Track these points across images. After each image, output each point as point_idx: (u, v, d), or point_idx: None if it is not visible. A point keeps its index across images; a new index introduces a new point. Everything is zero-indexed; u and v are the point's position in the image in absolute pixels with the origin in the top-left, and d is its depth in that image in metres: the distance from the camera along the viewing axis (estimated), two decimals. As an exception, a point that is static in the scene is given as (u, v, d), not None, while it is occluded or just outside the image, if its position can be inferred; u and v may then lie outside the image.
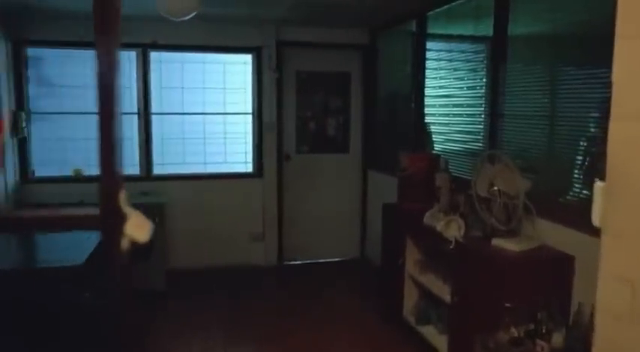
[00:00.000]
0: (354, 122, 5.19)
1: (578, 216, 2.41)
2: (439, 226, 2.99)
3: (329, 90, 5.13)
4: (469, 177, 3.37)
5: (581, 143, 2.82)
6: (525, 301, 2.18)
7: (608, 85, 2.22)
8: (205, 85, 4.82)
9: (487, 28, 3.27)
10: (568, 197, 2.65)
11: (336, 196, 5.22)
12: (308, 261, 5.21)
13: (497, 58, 3.15)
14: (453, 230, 2.93)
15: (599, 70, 2.46)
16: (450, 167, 3.54)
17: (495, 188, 2.42)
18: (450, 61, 3.95)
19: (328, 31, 4.90)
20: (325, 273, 4.97)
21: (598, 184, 1.24)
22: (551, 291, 2.34)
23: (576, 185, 2.71)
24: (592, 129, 2.70)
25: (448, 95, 3.88)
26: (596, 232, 1.37)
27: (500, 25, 3.11)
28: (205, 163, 4.92)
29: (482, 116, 3.42)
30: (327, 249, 5.24)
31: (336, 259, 5.27)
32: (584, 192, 2.61)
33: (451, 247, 2.80)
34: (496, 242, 2.53)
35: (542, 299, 2.13)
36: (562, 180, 2.72)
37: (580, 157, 2.84)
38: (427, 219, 3.15)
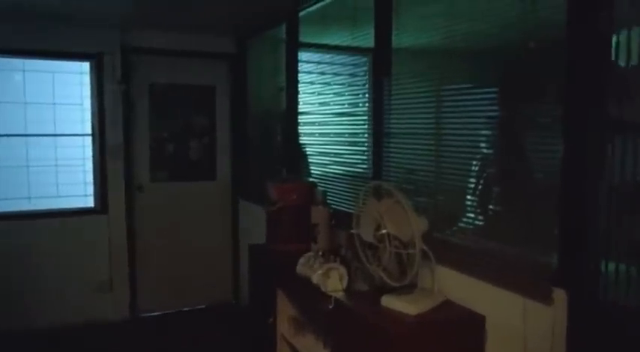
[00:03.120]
0: (222, 144, 4.44)
1: (478, 261, 1.88)
2: (315, 277, 2.33)
3: (191, 106, 4.34)
4: (353, 212, 2.77)
5: (474, 165, 2.41)
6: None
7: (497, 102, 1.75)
8: (27, 100, 3.81)
9: (368, 38, 2.74)
10: (461, 226, 2.18)
11: (203, 231, 4.41)
12: (169, 311, 4.32)
13: (380, 71, 2.61)
14: (334, 282, 2.28)
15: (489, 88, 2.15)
16: (330, 198, 2.92)
17: (383, 231, 1.80)
18: (329, 74, 3.38)
19: (188, 36, 4.14)
20: (190, 325, 4.11)
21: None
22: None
23: (470, 214, 2.25)
24: (484, 150, 2.29)
25: (326, 113, 3.31)
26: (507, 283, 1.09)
27: (383, 34, 2.60)
28: (30, 197, 3.88)
29: (366, 136, 2.86)
30: (193, 294, 4.39)
31: (205, 306, 4.43)
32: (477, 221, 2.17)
33: (330, 307, 2.14)
34: (387, 301, 1.91)
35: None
36: (455, 208, 2.26)
37: (473, 180, 2.43)
38: (301, 266, 2.47)
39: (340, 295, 2.16)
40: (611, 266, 1.48)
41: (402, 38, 2.55)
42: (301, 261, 2.49)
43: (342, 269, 2.31)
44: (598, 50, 1.50)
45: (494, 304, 1.82)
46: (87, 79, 3.96)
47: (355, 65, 3.30)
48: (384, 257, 1.80)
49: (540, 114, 1.83)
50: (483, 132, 2.28)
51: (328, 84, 3.37)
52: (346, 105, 3.22)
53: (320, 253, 2.56)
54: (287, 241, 2.80)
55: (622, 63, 1.51)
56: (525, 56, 1.90)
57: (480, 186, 2.62)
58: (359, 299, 2.10)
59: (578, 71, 1.55)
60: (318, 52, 3.55)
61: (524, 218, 1.88)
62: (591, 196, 1.51)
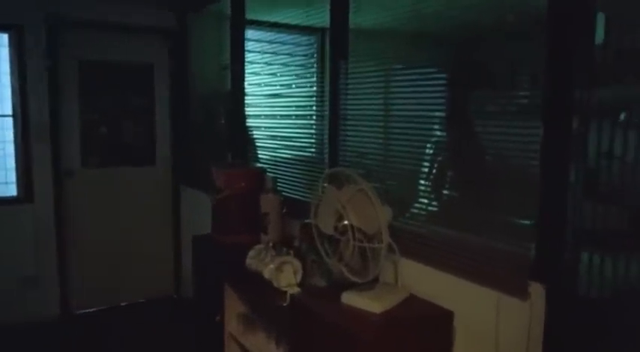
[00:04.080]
0: (162, 126, 4.12)
1: (442, 251, 1.75)
2: (267, 272, 2.13)
3: (126, 85, 3.99)
4: (307, 199, 2.59)
5: (428, 148, 2.30)
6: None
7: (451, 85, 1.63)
8: None
9: (323, 17, 2.54)
10: (417, 213, 2.10)
11: (141, 220, 4.09)
12: (106, 307, 4.00)
13: (337, 52, 2.42)
14: (287, 277, 2.09)
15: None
16: (281, 185, 2.72)
17: (345, 222, 1.63)
18: (281, 55, 3.17)
19: (123, 8, 3.77)
20: (128, 321, 3.83)
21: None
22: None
23: (426, 200, 2.18)
24: (438, 133, 2.23)
25: (275, 94, 3.09)
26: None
27: (340, 13, 2.41)
28: (-60, 185, 3.45)
29: (321, 118, 2.67)
30: (131, 288, 4.08)
31: (144, 300, 4.14)
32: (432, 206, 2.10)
33: (285, 304, 1.95)
34: (348, 298, 1.74)
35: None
36: (411, 194, 2.18)
37: (427, 165, 2.33)
38: (250, 260, 2.26)
39: (295, 291, 1.98)
40: (595, 258, 1.38)
41: (359, 17, 2.38)
42: (251, 253, 2.29)
43: (297, 263, 2.12)
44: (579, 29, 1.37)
45: (464, 299, 1.69)
46: (5, 53, 3.53)
47: (306, 45, 3.11)
48: (347, 251, 1.63)
49: (512, 98, 1.71)
50: (437, 114, 2.19)
51: (276, 64, 3.16)
52: (295, 87, 3.02)
53: (271, 245, 2.37)
54: (235, 232, 2.58)
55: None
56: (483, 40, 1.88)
57: (434, 171, 2.52)
58: (316, 295, 1.92)
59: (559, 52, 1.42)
60: (266, 30, 3.32)
61: (493, 205, 1.76)
62: (570, 183, 1.39)
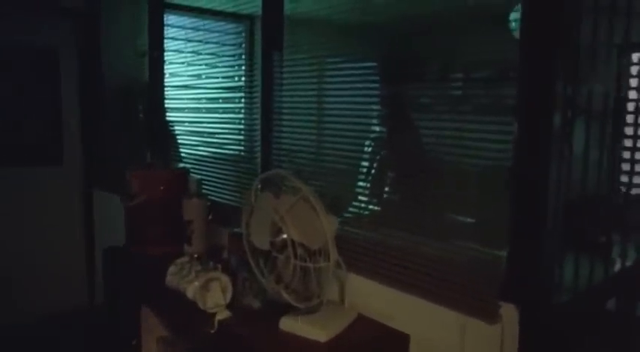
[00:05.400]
0: (70, 121, 3.64)
1: (391, 264, 1.52)
2: (191, 291, 1.81)
3: (24, 74, 3.48)
4: (237, 203, 2.30)
5: (366, 146, 2.16)
6: None
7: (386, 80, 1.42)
8: None
9: (255, 3, 2.27)
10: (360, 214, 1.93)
11: (47, 228, 3.60)
12: (6, 323, 3.49)
13: (270, 42, 2.15)
14: (215, 297, 1.79)
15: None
16: (207, 187, 2.41)
17: (284, 236, 1.35)
18: (205, 42, 2.85)
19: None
20: (33, 340, 3.35)
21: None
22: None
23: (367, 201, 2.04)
24: (377, 129, 2.15)
25: (201, 86, 2.77)
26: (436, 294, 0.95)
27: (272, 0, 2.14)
28: None
29: (250, 113, 2.39)
30: (38, 300, 3.58)
31: (51, 318, 3.65)
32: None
33: (212, 331, 1.66)
34: (288, 324, 1.48)
35: None
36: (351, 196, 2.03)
37: (366, 163, 2.18)
38: (171, 277, 1.93)
39: (224, 315, 1.68)
40: (578, 272, 1.19)
41: (296, 5, 2.15)
42: (171, 269, 1.96)
43: (225, 280, 1.82)
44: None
45: (422, 320, 1.47)
46: None
47: (233, 33, 2.81)
48: (286, 271, 1.35)
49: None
50: (375, 110, 2.05)
51: (202, 53, 2.83)
52: (221, 78, 2.72)
53: (195, 257, 2.06)
54: (153, 243, 2.24)
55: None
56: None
57: (372, 170, 2.37)
58: (249, 320, 1.64)
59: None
60: (189, 15, 2.98)
61: (451, 208, 1.57)
62: (548, 188, 1.20)
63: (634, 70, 1.53)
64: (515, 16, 2.16)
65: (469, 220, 1.80)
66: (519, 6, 1.93)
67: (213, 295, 1.80)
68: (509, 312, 1.25)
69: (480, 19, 1.68)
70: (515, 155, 1.23)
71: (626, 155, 1.37)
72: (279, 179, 1.44)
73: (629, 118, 1.42)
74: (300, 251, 1.34)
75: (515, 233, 1.24)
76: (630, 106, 1.44)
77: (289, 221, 1.30)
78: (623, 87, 1.47)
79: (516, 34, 1.90)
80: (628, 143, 1.41)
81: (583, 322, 1.26)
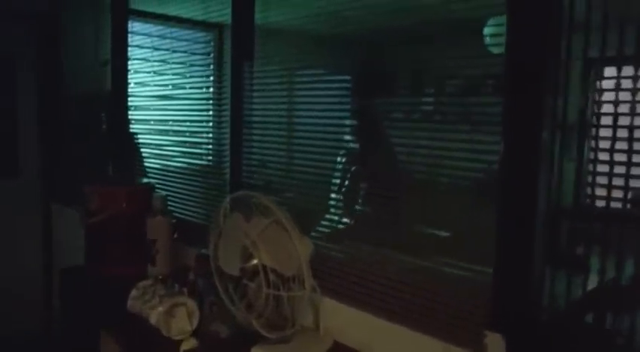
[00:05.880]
0: (27, 131, 3.45)
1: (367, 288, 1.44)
2: (154, 316, 1.70)
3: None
4: (204, 221, 2.19)
5: (339, 159, 2.17)
6: None
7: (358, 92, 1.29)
8: None
9: (225, 12, 2.18)
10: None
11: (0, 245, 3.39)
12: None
13: (240, 53, 2.07)
14: (180, 323, 1.68)
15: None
16: (172, 203, 2.29)
17: (255, 262, 1.26)
18: (173, 51, 2.74)
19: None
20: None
21: None
22: None
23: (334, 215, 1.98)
24: (350, 143, 2.11)
25: (167, 96, 2.67)
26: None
27: (244, 8, 2.08)
28: None
29: (219, 125, 2.30)
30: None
31: (5, 338, 3.43)
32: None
33: (178, 361, 1.54)
34: (259, 354, 1.38)
35: None
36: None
37: (339, 176, 2.17)
38: (133, 301, 1.81)
39: (190, 345, 1.57)
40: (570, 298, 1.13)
41: (267, 15, 2.08)
42: (133, 293, 1.83)
43: (192, 304, 1.71)
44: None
45: (401, 348, 1.39)
46: None
47: (201, 42, 2.72)
48: (258, 299, 1.26)
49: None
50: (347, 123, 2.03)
51: (168, 62, 2.72)
52: (189, 88, 2.62)
53: (160, 278, 1.94)
54: (115, 263, 2.10)
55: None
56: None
57: (345, 184, 2.33)
58: (218, 349, 1.53)
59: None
60: (154, 22, 2.87)
61: (430, 224, 1.52)
62: (539, 203, 1.14)
63: (607, 83, 1.51)
64: (489, 30, 2.14)
65: (446, 235, 1.75)
66: (494, 20, 1.91)
67: (179, 321, 1.69)
68: (495, 342, 1.19)
69: (455, 33, 1.65)
70: (502, 170, 1.17)
71: (602, 168, 1.35)
72: (251, 200, 1.35)
73: (606, 132, 1.40)
74: (272, 277, 1.25)
75: (500, 258, 1.18)
76: (606, 120, 1.41)
77: (261, 246, 1.21)
78: (596, 101, 1.45)
79: (492, 49, 1.87)
80: (603, 156, 1.39)
81: (571, 346, 1.20)
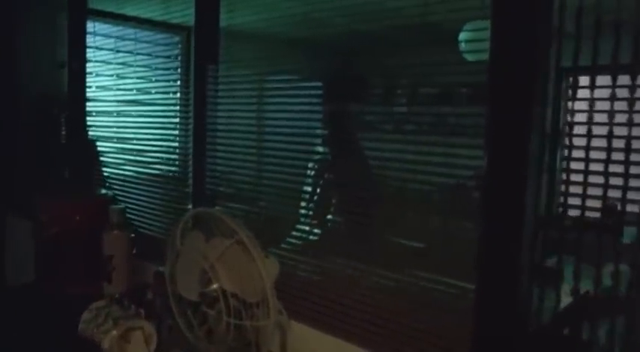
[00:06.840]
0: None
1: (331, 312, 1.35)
2: (108, 341, 1.56)
3: None
4: (165, 236, 2.06)
5: (310, 167, 2.09)
6: None
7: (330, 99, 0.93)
8: None
9: (189, 13, 2.07)
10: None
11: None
12: None
13: (203, 56, 1.95)
14: (136, 349, 1.55)
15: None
16: (134, 216, 2.16)
17: (215, 286, 1.14)
18: (136, 54, 2.61)
19: None
20: None
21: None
22: None
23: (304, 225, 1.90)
24: (320, 150, 2.01)
25: (130, 100, 2.55)
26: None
27: (208, 9, 1.97)
28: None
29: (186, 131, 2.18)
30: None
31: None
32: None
33: (131, 393, 1.41)
34: (219, 385, 1.26)
35: None
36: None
37: (310, 185, 2.12)
38: (85, 325, 1.67)
39: (146, 374, 1.45)
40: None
41: (233, 17, 1.99)
42: (85, 315, 1.69)
43: (149, 328, 1.58)
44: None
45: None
46: None
47: (167, 45, 2.60)
48: (219, 327, 1.14)
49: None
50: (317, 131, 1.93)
51: (132, 65, 2.59)
52: (154, 92, 2.50)
53: (116, 298, 1.80)
54: (68, 281, 1.96)
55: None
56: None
57: (316, 194, 2.27)
58: (176, 378, 1.41)
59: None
60: (115, 23, 2.73)
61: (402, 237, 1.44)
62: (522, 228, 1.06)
63: (582, 93, 1.47)
64: (464, 36, 2.08)
65: (421, 247, 1.69)
66: (469, 26, 1.84)
67: (134, 346, 1.56)
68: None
69: (430, 39, 1.59)
70: (487, 179, 1.09)
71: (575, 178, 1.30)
72: (211, 218, 1.23)
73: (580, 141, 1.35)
74: (234, 302, 1.14)
75: (483, 273, 1.10)
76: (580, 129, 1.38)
77: (221, 270, 1.10)
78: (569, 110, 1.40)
79: (467, 56, 1.81)
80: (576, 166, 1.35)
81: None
